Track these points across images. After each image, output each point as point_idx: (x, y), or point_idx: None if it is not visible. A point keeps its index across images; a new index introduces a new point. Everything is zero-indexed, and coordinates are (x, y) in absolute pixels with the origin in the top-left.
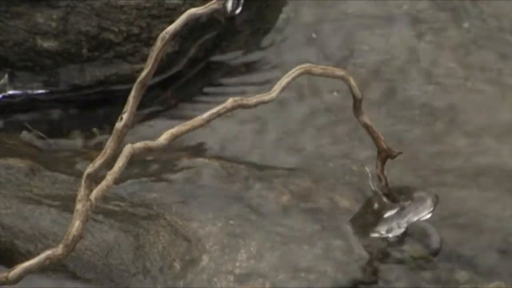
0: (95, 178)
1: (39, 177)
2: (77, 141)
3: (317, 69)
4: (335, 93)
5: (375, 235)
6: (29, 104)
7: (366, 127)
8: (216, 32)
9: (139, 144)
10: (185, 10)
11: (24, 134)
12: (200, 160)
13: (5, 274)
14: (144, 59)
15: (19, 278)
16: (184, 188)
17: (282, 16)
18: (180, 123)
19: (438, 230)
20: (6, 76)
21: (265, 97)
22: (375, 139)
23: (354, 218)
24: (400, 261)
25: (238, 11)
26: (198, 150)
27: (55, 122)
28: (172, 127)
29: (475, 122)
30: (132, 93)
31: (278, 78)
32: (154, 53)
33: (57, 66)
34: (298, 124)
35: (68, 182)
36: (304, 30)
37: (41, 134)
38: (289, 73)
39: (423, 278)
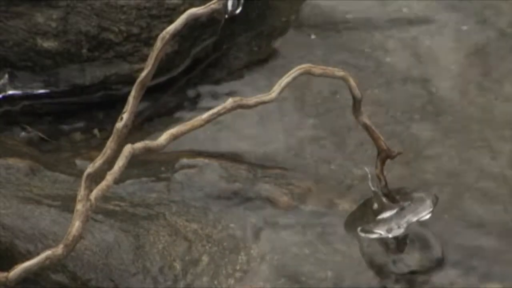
0: (95, 178)
1: (39, 177)
2: (77, 141)
3: (317, 69)
4: (337, 94)
5: (375, 235)
6: (29, 104)
7: (366, 127)
8: (216, 32)
9: (139, 144)
10: (185, 10)
11: (24, 134)
12: (200, 160)
13: (5, 274)
14: (144, 59)
15: (19, 278)
16: (184, 188)
17: (282, 16)
18: (180, 124)
19: (437, 233)
20: (6, 76)
21: (265, 97)
22: (374, 139)
23: (354, 219)
24: (400, 264)
25: (238, 11)
26: (198, 150)
27: (55, 122)
28: (172, 127)
29: (476, 123)
30: (132, 93)
31: (278, 78)
32: (154, 53)
33: (57, 66)
34: (298, 125)
35: (68, 182)
36: (304, 31)
37: (41, 135)
38: (289, 73)
39: (423, 281)
